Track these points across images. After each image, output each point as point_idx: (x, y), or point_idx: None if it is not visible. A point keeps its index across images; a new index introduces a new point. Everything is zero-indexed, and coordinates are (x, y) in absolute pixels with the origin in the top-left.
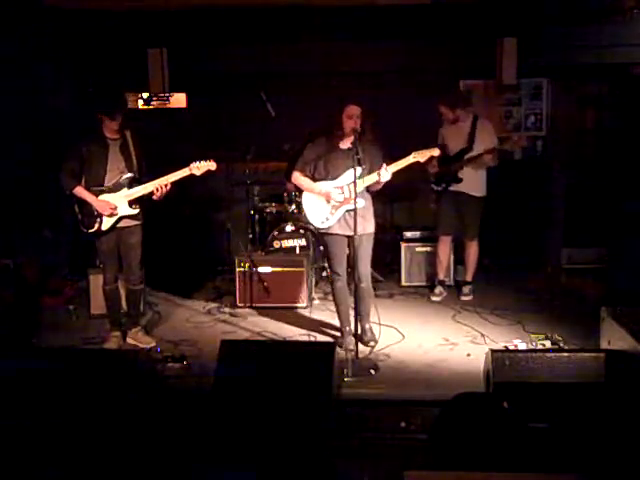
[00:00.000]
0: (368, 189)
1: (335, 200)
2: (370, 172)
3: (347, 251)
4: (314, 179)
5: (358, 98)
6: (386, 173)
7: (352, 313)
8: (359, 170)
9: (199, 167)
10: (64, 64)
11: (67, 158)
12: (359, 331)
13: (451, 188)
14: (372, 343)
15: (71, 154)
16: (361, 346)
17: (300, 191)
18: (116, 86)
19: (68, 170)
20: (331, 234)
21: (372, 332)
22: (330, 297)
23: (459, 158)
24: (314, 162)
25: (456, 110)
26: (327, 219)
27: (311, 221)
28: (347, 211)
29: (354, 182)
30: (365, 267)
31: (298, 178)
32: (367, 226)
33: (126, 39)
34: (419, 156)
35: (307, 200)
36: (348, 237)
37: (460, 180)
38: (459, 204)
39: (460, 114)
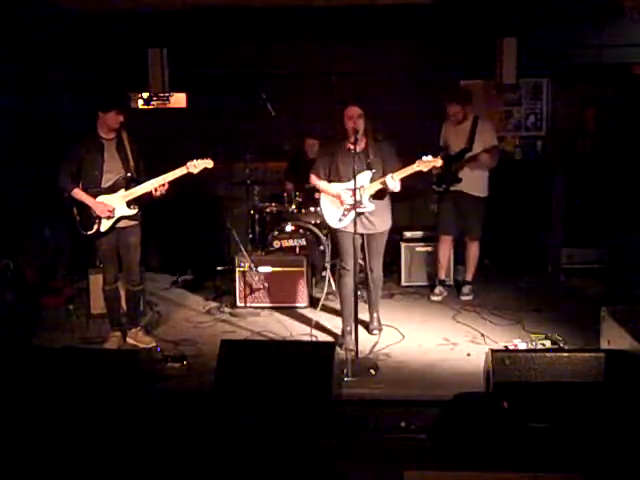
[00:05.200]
0: (381, 192)
1: (346, 203)
2: (384, 173)
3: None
4: (329, 181)
5: (359, 98)
6: (393, 182)
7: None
8: (369, 173)
9: (196, 165)
10: (64, 64)
11: (64, 161)
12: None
13: (453, 188)
14: (376, 332)
15: (67, 156)
16: (361, 346)
17: (300, 191)
18: (119, 82)
19: (65, 173)
20: (345, 231)
21: (379, 322)
22: (330, 297)
23: (459, 158)
24: (327, 164)
25: (465, 108)
26: (340, 220)
27: (327, 221)
28: (359, 213)
29: (354, 186)
30: (377, 261)
31: (314, 181)
32: (382, 224)
33: (126, 39)
34: (422, 165)
35: (324, 201)
36: (361, 234)
37: (460, 180)
38: (460, 204)
39: (467, 112)
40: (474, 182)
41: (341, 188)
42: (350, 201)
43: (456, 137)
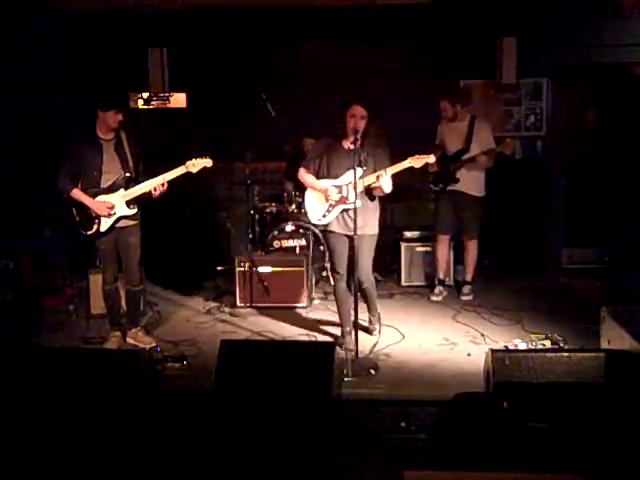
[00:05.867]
0: (371, 193)
1: (332, 198)
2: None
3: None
4: (318, 177)
5: (360, 98)
6: (386, 177)
7: (353, 314)
8: (360, 171)
9: (195, 164)
10: (64, 64)
11: (63, 161)
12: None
13: (450, 188)
14: (376, 332)
15: (66, 157)
16: (361, 346)
17: (300, 190)
18: (119, 82)
19: (64, 174)
20: (331, 232)
21: (379, 322)
22: (330, 297)
23: (456, 159)
24: (318, 160)
25: (456, 106)
26: (324, 216)
27: (309, 217)
28: (344, 210)
29: (354, 182)
30: (366, 269)
31: (302, 175)
32: (366, 228)
33: (126, 39)
34: (414, 162)
35: (308, 196)
36: (348, 237)
37: (457, 180)
38: (458, 204)
39: (459, 111)
40: (471, 182)
41: (329, 184)
42: (336, 197)
43: (453, 137)
